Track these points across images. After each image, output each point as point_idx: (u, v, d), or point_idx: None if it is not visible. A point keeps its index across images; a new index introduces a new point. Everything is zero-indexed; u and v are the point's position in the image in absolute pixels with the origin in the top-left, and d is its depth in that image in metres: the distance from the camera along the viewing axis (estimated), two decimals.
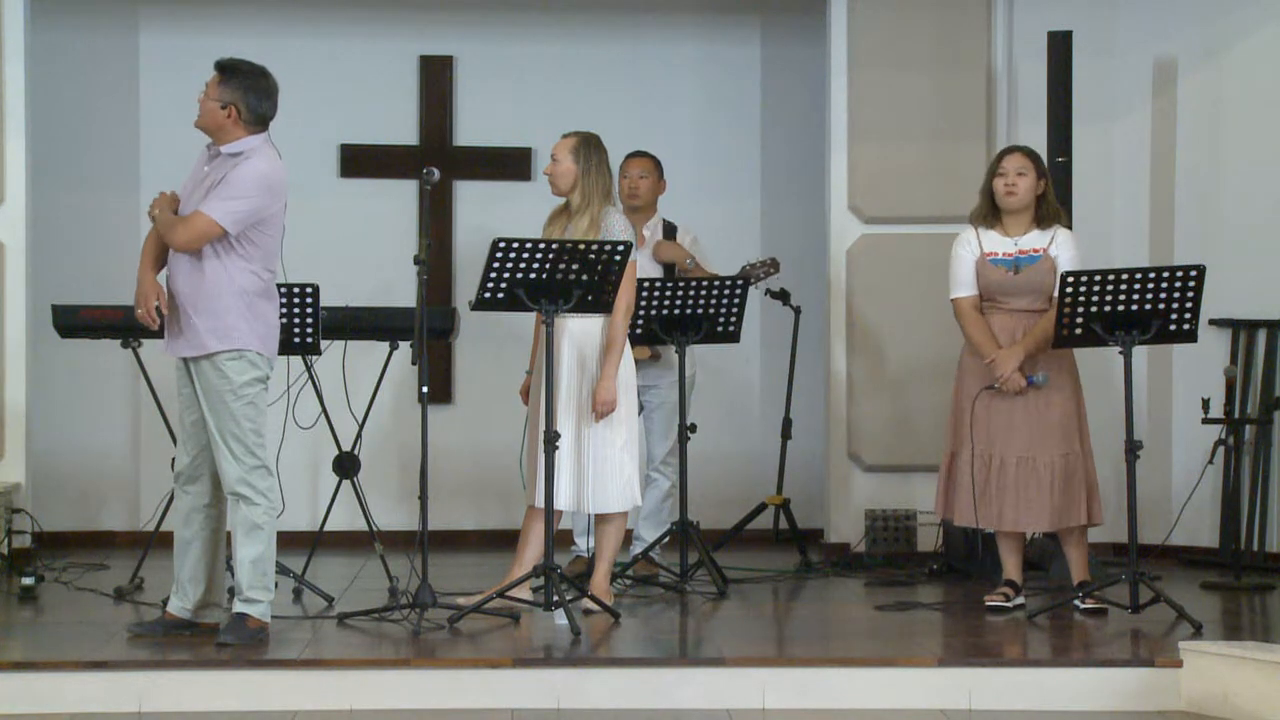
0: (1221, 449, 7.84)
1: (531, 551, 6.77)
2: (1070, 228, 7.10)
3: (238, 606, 6.04)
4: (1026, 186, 6.83)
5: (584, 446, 6.71)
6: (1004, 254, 6.85)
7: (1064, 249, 6.82)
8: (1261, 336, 8.17)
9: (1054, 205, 6.93)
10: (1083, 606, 6.71)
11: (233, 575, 6.21)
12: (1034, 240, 6.85)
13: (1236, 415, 7.96)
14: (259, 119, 6.11)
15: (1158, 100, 8.50)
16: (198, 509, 6.15)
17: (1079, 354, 6.93)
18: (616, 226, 6.74)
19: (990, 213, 6.91)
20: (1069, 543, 6.88)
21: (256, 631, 6.01)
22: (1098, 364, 7.60)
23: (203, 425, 6.08)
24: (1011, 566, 6.94)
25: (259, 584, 6.04)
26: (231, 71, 6.11)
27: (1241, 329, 8.19)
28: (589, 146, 6.81)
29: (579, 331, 6.76)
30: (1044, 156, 7.32)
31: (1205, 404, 7.70)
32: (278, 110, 6.19)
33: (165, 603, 6.21)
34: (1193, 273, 6.45)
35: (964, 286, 6.90)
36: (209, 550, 6.16)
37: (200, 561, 6.15)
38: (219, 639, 5.95)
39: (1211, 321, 8.04)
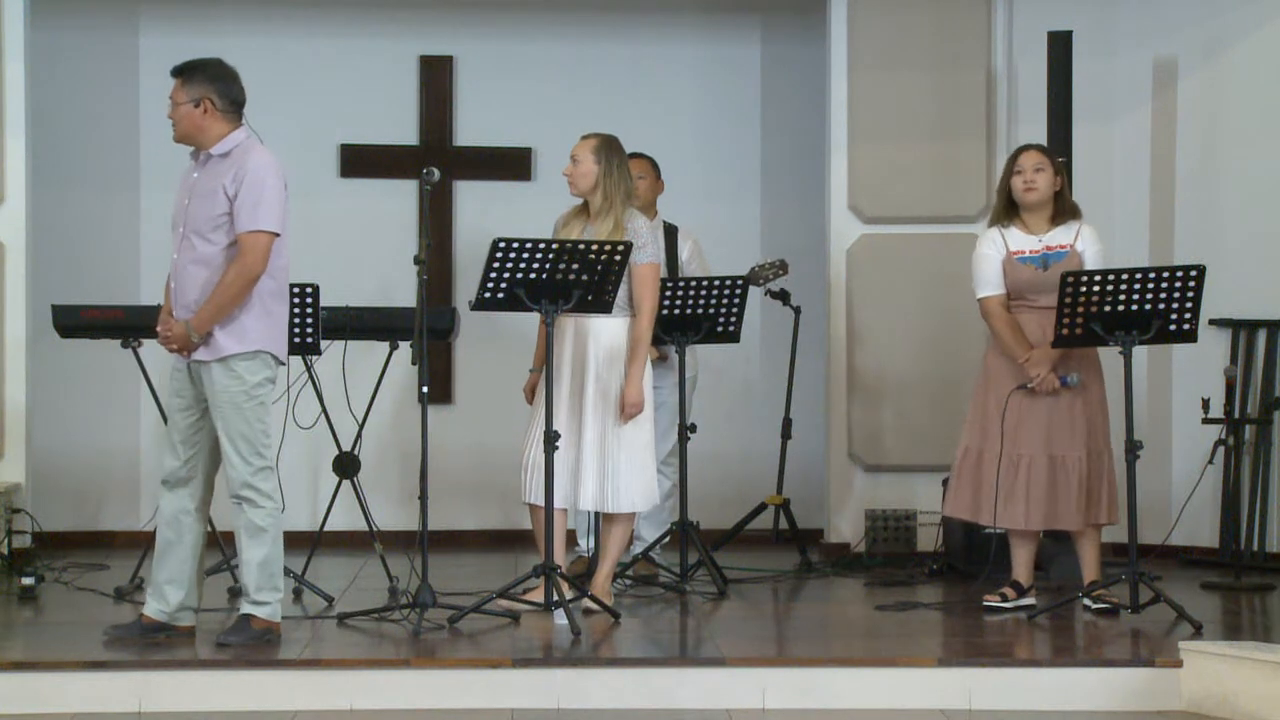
0: (1221, 449, 7.84)
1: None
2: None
3: (245, 608, 6.02)
4: (1045, 182, 6.82)
5: (608, 446, 6.67)
6: (1031, 251, 6.82)
7: (1090, 244, 6.80)
8: (1261, 336, 8.17)
9: (1070, 200, 6.92)
10: (1094, 606, 6.71)
11: (235, 578, 6.17)
12: (1059, 236, 6.82)
13: (1236, 415, 7.96)
14: (234, 105, 6.02)
15: (1158, 100, 8.50)
16: (186, 511, 6.08)
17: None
18: (644, 230, 6.72)
19: (1008, 212, 6.89)
20: (1085, 541, 6.84)
21: (264, 633, 5.99)
22: None
23: (202, 428, 6.05)
24: (1021, 568, 6.91)
25: (267, 585, 6.01)
26: (190, 70, 6.03)
27: (1241, 329, 8.19)
28: (610, 148, 6.77)
29: (590, 331, 6.74)
30: None
31: (1205, 404, 7.70)
32: (246, 98, 6.06)
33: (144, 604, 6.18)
34: (1193, 273, 6.44)
35: (991, 286, 6.86)
36: (194, 554, 6.09)
37: (184, 565, 6.08)
38: (220, 639, 5.94)
39: (1211, 321, 8.03)
